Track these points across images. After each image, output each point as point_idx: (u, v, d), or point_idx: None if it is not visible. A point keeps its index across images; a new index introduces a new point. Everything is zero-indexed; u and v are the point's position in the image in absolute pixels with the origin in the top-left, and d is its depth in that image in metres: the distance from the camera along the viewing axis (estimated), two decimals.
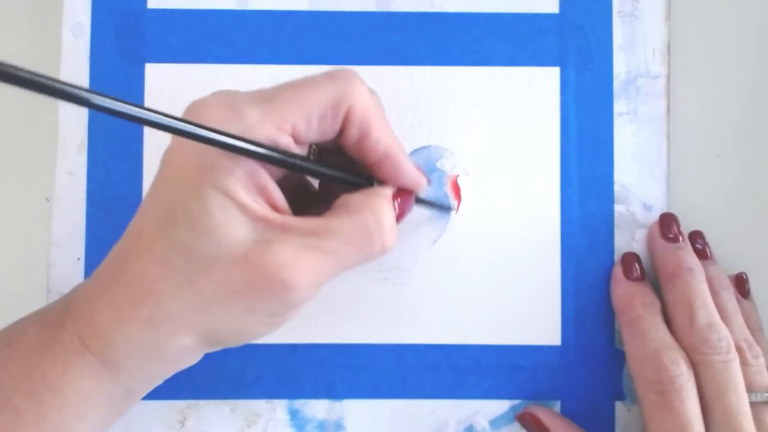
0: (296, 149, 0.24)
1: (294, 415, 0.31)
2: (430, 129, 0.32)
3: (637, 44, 0.32)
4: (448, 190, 0.32)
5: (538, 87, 0.32)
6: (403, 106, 0.32)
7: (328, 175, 0.25)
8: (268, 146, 0.22)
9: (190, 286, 0.22)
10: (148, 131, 0.32)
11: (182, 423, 0.31)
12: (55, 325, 0.25)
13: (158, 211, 0.23)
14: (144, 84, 0.32)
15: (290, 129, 0.23)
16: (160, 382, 0.26)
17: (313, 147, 0.26)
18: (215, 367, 0.31)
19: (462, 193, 0.32)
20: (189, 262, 0.22)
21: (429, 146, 0.32)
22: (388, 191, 0.25)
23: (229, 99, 0.23)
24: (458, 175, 0.32)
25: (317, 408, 0.31)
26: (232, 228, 0.22)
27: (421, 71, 0.32)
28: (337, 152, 0.26)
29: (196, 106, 0.23)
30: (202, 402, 0.31)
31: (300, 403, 0.31)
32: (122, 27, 0.32)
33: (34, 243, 0.32)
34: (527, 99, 0.32)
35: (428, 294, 0.32)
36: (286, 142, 0.23)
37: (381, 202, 0.24)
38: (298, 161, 0.23)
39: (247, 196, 0.22)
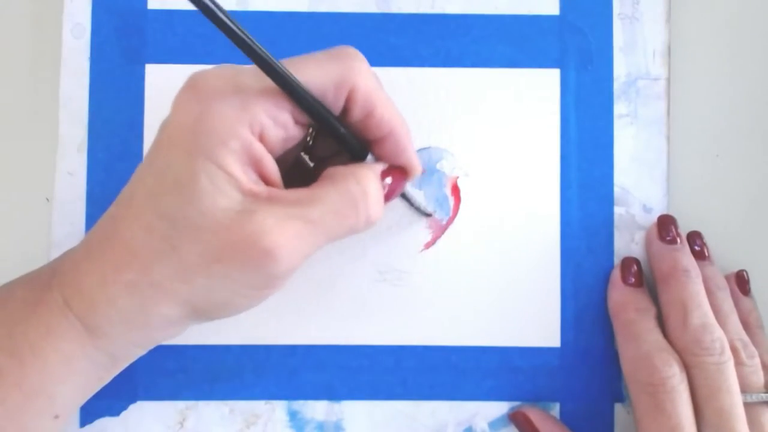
0: (294, 129, 0.24)
1: (293, 416, 0.31)
2: (430, 130, 0.32)
3: (637, 46, 0.32)
4: (448, 192, 0.32)
5: (538, 88, 0.32)
6: (403, 108, 0.32)
7: (331, 125, 0.24)
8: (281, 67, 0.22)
9: (173, 253, 0.22)
10: (148, 131, 0.32)
11: (181, 424, 0.31)
12: (42, 286, 0.25)
13: (150, 176, 0.23)
14: (144, 84, 0.32)
15: (289, 106, 0.23)
16: (143, 351, 0.26)
17: (311, 129, 0.26)
18: (215, 368, 0.31)
19: (462, 194, 0.32)
20: (174, 229, 0.22)
21: (429, 148, 0.32)
22: (377, 166, 0.25)
23: (231, 71, 0.23)
24: (458, 177, 0.32)
25: (316, 409, 0.31)
26: (218, 198, 0.22)
27: (421, 72, 0.32)
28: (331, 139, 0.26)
29: (196, 76, 0.23)
30: (201, 403, 0.31)
31: (299, 404, 0.31)
32: (122, 27, 0.32)
33: (34, 243, 0.32)
34: (527, 100, 0.32)
35: (428, 295, 0.32)
36: (285, 119, 0.23)
37: (367, 173, 0.24)
38: (308, 98, 0.23)
39: (238, 167, 0.22)
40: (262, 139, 0.23)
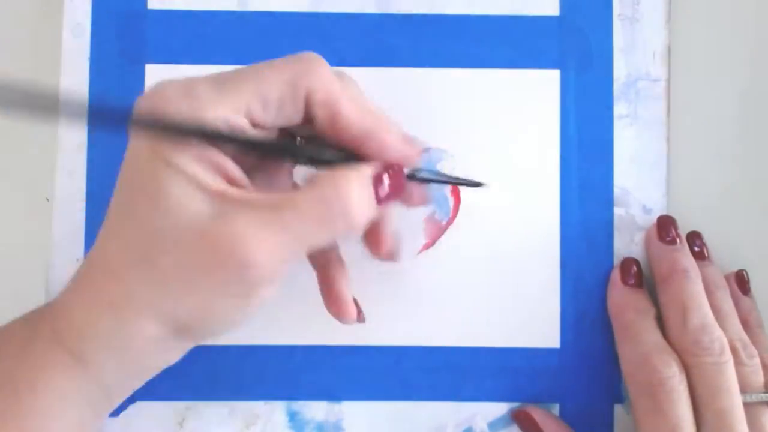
0: (254, 132, 0.23)
1: (293, 416, 0.31)
2: (430, 131, 0.32)
3: (637, 47, 0.32)
4: (448, 193, 0.32)
5: (538, 89, 0.32)
6: (402, 109, 0.32)
7: (287, 153, 0.24)
8: (214, 129, 0.22)
9: (149, 266, 0.22)
10: None
11: (181, 424, 0.31)
12: (37, 320, 0.25)
13: (120, 193, 0.23)
14: (144, 85, 0.32)
15: (244, 110, 0.23)
16: (138, 383, 0.25)
17: (300, 138, 0.25)
18: (214, 369, 0.31)
19: (462, 195, 0.32)
20: (148, 241, 0.22)
21: (429, 149, 0.32)
22: (365, 167, 0.24)
23: (186, 82, 0.23)
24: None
25: (316, 409, 0.31)
26: (188, 204, 0.22)
27: (421, 73, 0.32)
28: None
29: (154, 88, 0.23)
30: (201, 403, 0.31)
31: (299, 405, 0.31)
32: (122, 28, 0.32)
33: (34, 243, 0.32)
34: (527, 101, 0.32)
35: (428, 296, 0.32)
36: (241, 124, 0.23)
37: (348, 174, 0.23)
38: (257, 141, 0.23)
39: (200, 170, 0.22)
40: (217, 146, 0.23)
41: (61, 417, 0.24)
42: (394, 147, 0.24)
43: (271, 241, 0.22)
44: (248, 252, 0.21)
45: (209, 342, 0.31)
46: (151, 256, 0.22)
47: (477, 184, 0.29)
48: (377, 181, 0.24)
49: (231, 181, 0.23)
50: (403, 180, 0.25)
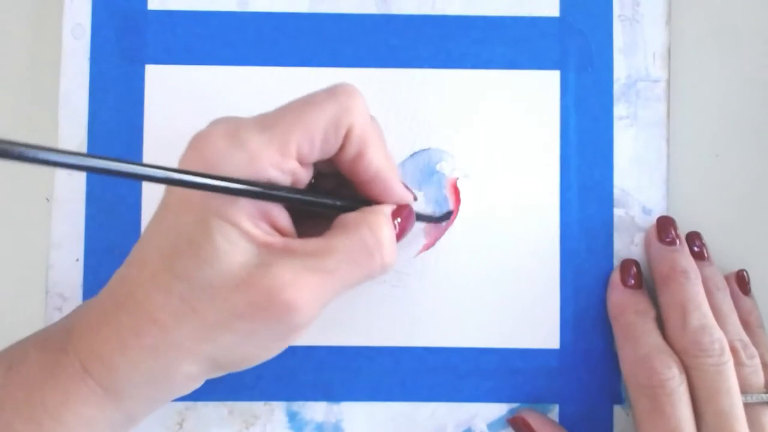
0: (302, 172, 0.24)
1: (292, 417, 0.31)
2: (430, 132, 0.32)
3: (637, 48, 0.32)
4: (448, 193, 0.32)
5: (538, 90, 0.32)
6: (403, 109, 0.32)
7: (328, 205, 0.25)
8: (266, 185, 0.23)
9: (193, 314, 0.23)
10: (147, 132, 0.32)
11: (180, 425, 0.31)
12: (57, 350, 0.25)
13: (162, 239, 0.23)
14: (144, 85, 0.32)
15: (295, 152, 0.23)
16: (161, 407, 0.26)
17: (312, 179, 0.26)
18: None
19: (461, 195, 0.32)
20: (192, 290, 0.22)
21: (429, 149, 0.32)
22: (386, 209, 0.25)
23: (232, 127, 0.23)
24: (458, 178, 0.32)
25: (316, 410, 0.31)
26: (235, 255, 0.22)
27: (421, 74, 0.32)
28: (331, 176, 0.26)
29: (199, 138, 0.23)
30: (200, 404, 0.31)
31: (298, 405, 0.31)
32: (122, 28, 0.32)
33: (34, 243, 0.32)
34: (527, 102, 0.32)
35: (427, 297, 0.32)
36: (292, 166, 0.23)
37: (379, 218, 0.24)
38: (299, 195, 0.24)
39: (249, 223, 0.22)
40: None
41: None
42: (399, 190, 0.26)
43: (313, 286, 0.23)
44: (292, 297, 0.22)
45: None
46: (195, 305, 0.22)
47: (443, 219, 0.31)
48: (394, 221, 0.25)
49: (278, 229, 0.23)
50: (411, 222, 0.27)
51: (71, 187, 0.32)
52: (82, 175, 0.32)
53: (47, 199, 0.32)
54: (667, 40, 0.32)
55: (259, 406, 0.31)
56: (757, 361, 0.29)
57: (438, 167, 0.32)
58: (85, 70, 0.32)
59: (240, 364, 0.25)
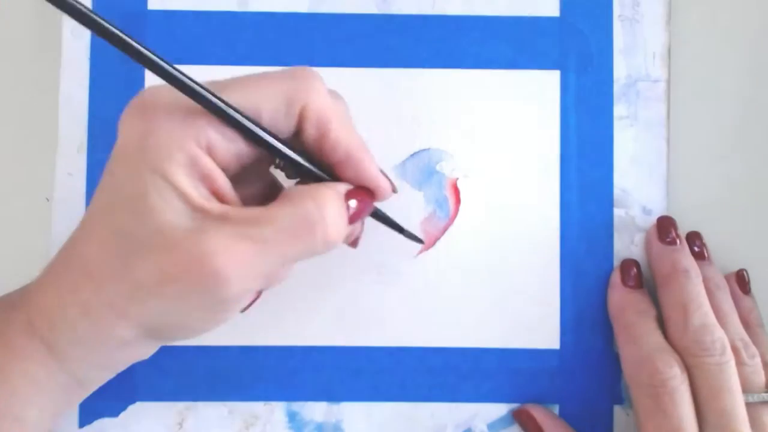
0: (244, 143, 0.23)
1: (292, 417, 0.31)
2: (430, 132, 0.32)
3: (637, 48, 0.32)
4: (448, 193, 0.32)
5: (539, 90, 0.32)
6: (403, 109, 0.32)
7: (287, 157, 0.24)
8: (252, 119, 0.22)
9: (126, 272, 0.22)
10: None
11: (180, 425, 0.31)
12: (10, 308, 0.25)
13: (103, 194, 0.23)
14: (144, 85, 0.32)
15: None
16: (111, 374, 0.26)
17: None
18: (214, 369, 0.31)
19: (461, 195, 0.32)
20: (126, 246, 0.22)
21: (429, 149, 0.32)
22: (340, 186, 0.24)
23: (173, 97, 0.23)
24: (458, 178, 0.32)
25: (316, 410, 0.31)
26: (169, 214, 0.22)
27: (421, 74, 0.32)
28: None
29: (143, 92, 0.23)
30: (200, 404, 0.31)
31: (298, 406, 0.31)
32: (122, 28, 0.32)
33: (34, 243, 0.32)
34: (527, 102, 0.32)
35: (427, 297, 0.32)
36: (233, 133, 0.23)
37: (327, 193, 0.23)
38: (261, 131, 0.23)
39: (187, 182, 0.22)
40: (211, 153, 0.22)
41: (32, 402, 0.24)
42: (372, 174, 0.25)
43: (246, 256, 0.22)
44: (222, 266, 0.22)
45: (184, 342, 0.31)
46: (129, 262, 0.22)
47: (419, 241, 0.30)
48: (347, 201, 0.24)
49: (216, 193, 0.23)
50: (370, 205, 0.26)
51: (71, 187, 0.32)
52: (82, 175, 0.32)
53: (47, 199, 0.32)
54: (667, 40, 0.33)
55: (259, 406, 0.31)
56: (758, 360, 0.29)
57: (438, 167, 0.32)
58: (85, 70, 0.32)
59: (174, 334, 0.24)
